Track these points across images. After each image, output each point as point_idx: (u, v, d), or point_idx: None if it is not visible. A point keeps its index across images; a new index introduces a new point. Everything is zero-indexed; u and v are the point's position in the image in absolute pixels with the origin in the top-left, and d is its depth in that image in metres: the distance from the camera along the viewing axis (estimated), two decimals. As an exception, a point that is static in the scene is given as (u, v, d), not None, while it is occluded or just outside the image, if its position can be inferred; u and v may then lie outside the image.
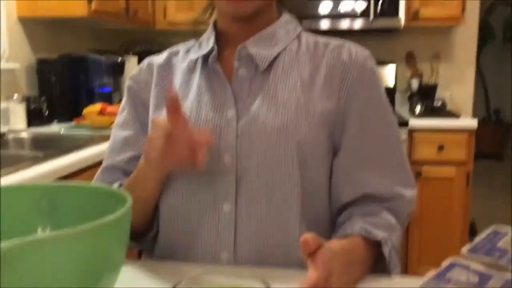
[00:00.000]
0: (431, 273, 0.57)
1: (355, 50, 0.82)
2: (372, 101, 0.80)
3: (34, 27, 2.50)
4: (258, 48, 0.80)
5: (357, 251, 0.71)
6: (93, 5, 2.33)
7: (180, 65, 0.87)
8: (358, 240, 0.72)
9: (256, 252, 0.76)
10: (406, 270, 2.64)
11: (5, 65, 2.29)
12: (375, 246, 0.74)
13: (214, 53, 0.81)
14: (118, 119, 0.90)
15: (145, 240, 0.85)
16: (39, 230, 0.66)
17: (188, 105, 0.82)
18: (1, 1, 2.29)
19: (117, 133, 0.88)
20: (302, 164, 0.76)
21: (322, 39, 0.85)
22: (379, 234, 0.73)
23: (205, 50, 0.83)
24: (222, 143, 0.77)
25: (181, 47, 0.91)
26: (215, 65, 0.81)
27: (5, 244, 0.44)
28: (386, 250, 0.73)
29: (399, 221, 0.79)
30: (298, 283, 0.55)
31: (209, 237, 0.78)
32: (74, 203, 0.66)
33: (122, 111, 0.90)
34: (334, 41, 0.84)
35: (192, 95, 0.82)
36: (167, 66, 0.88)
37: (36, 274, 0.47)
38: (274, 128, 0.75)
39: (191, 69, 0.85)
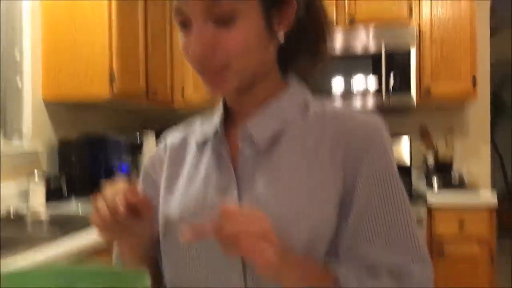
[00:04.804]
0: None
1: (362, 119, 0.78)
2: (379, 175, 0.75)
3: (57, 108, 2.61)
4: (258, 128, 0.78)
5: (313, 267, 0.70)
6: (115, 87, 2.44)
7: (193, 145, 0.87)
8: (325, 272, 0.71)
9: None
10: None
11: (28, 146, 2.36)
12: None
13: (219, 135, 0.81)
14: None
15: None
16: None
17: (195, 187, 0.81)
18: (26, 84, 2.41)
19: None
20: (310, 248, 0.72)
21: (330, 108, 0.81)
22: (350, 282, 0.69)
23: (211, 130, 0.82)
24: None
25: (198, 122, 0.90)
26: (220, 147, 0.80)
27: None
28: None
29: None
30: None
31: None
32: (92, 285, 0.66)
33: None
34: (342, 111, 0.80)
35: (201, 176, 0.81)
36: (180, 147, 0.88)
37: None
38: (279, 217, 0.71)
39: (200, 149, 0.85)
